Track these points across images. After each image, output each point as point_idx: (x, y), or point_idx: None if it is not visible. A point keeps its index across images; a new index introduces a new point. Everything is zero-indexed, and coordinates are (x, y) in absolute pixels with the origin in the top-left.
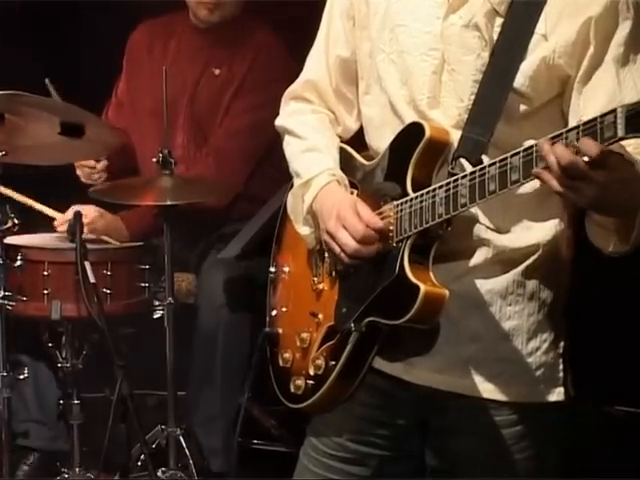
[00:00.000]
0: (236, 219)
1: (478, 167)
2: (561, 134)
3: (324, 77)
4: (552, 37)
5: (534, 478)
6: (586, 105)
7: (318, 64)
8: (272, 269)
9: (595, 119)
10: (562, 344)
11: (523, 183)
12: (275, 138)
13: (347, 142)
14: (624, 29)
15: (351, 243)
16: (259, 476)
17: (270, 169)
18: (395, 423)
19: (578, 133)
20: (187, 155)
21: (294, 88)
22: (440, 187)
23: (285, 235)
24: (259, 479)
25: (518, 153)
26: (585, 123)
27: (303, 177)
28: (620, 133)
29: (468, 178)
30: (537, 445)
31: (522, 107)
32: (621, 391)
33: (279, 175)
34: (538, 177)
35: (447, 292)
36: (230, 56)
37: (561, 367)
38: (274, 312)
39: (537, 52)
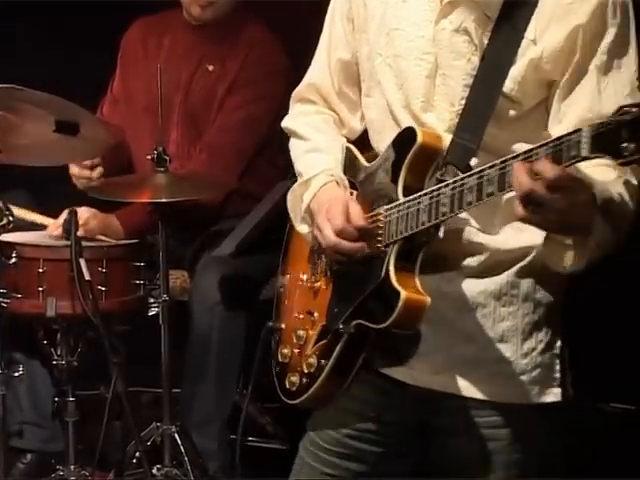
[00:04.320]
0: (230, 216)
1: (459, 177)
2: (532, 150)
3: (326, 79)
4: (540, 42)
5: (532, 478)
6: (566, 111)
7: (320, 67)
8: (280, 269)
9: (563, 137)
10: (558, 344)
11: (498, 195)
12: (268, 135)
13: (357, 142)
14: (609, 37)
15: (331, 236)
16: (255, 474)
17: (264, 166)
18: (395, 422)
19: (547, 150)
20: (181, 151)
21: (299, 90)
22: (425, 194)
23: (293, 236)
24: (255, 477)
25: (495, 165)
26: (554, 140)
27: (304, 177)
28: (584, 153)
29: (450, 187)
30: (535, 445)
31: (512, 111)
32: (617, 388)
33: (273, 172)
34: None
35: (428, 299)
36: (223, 53)
37: (558, 367)
38: (278, 308)
39: (526, 57)
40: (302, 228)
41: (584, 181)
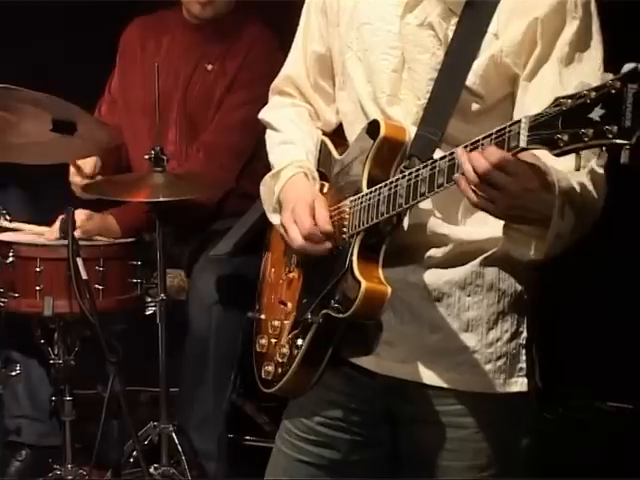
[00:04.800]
0: (228, 216)
1: (414, 168)
2: (477, 141)
3: (301, 72)
4: (502, 36)
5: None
6: (530, 104)
7: (296, 59)
8: (262, 261)
9: (505, 127)
10: (525, 335)
11: (447, 187)
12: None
13: (335, 134)
14: (571, 28)
15: (298, 239)
16: (252, 473)
17: (261, 166)
18: (365, 410)
19: (491, 141)
20: (179, 151)
21: (276, 83)
22: (385, 186)
23: (274, 228)
24: (252, 476)
25: (445, 157)
26: (497, 131)
27: (275, 168)
28: (522, 144)
29: (406, 179)
30: (502, 435)
31: (475, 105)
32: (614, 387)
33: (269, 172)
34: (457, 184)
35: (389, 289)
36: (223, 52)
37: (524, 358)
38: (258, 299)
39: (488, 51)
40: (274, 219)
41: (537, 167)
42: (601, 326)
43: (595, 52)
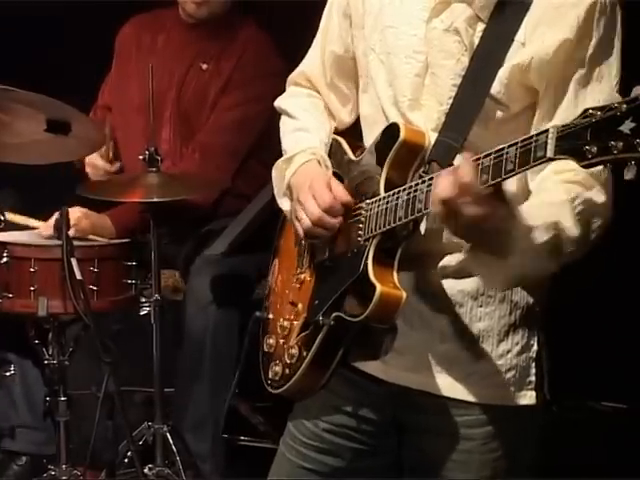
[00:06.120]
0: (222, 216)
1: (436, 174)
2: (502, 149)
3: (318, 70)
4: (529, 46)
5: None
6: (547, 120)
7: (314, 57)
8: (271, 261)
9: (532, 137)
10: (535, 347)
11: None
12: (261, 135)
13: (349, 135)
14: (592, 47)
15: (316, 211)
16: (247, 473)
17: (257, 166)
18: (375, 419)
19: (517, 149)
20: (173, 150)
21: (292, 76)
22: (404, 190)
23: (284, 229)
24: (247, 476)
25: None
26: (523, 140)
27: (288, 154)
28: (549, 154)
29: (427, 184)
30: (508, 446)
31: (499, 113)
32: (608, 387)
33: (266, 172)
34: None
35: (405, 294)
36: (218, 52)
37: (533, 371)
38: (267, 299)
39: (514, 60)
40: (284, 204)
41: (512, 211)
42: (595, 325)
43: (614, 65)
